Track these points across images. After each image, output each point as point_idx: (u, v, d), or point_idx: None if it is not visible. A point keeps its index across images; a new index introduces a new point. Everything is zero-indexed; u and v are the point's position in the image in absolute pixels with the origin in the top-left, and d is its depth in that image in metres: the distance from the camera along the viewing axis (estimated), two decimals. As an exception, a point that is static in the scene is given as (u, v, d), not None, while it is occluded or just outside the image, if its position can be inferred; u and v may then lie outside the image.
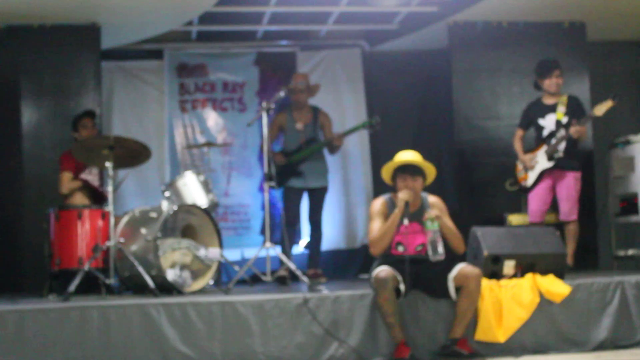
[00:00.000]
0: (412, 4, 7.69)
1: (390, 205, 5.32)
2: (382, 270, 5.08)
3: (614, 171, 7.37)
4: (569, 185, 6.58)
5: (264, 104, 6.40)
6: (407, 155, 5.32)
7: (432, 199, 5.42)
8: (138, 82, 8.23)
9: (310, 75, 8.30)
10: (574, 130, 6.46)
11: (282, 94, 6.57)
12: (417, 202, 5.32)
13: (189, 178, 6.43)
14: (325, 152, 7.25)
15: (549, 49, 7.65)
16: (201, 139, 8.04)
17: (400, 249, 5.27)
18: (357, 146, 8.37)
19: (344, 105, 8.40)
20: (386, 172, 5.35)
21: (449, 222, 5.25)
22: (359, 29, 8.49)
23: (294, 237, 7.23)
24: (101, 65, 7.44)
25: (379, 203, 5.35)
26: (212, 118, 8.29)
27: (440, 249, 5.08)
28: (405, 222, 5.11)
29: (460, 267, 5.14)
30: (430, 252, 5.09)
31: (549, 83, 6.69)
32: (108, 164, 5.81)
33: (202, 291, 5.94)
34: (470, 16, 7.57)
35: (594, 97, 7.64)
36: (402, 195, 5.13)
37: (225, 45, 8.41)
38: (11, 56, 7.20)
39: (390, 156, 5.43)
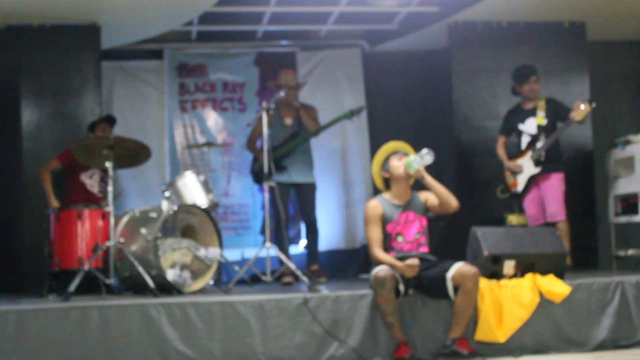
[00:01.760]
0: (412, 4, 7.69)
1: (385, 205, 5.39)
2: (381, 270, 5.09)
3: (614, 171, 7.36)
4: (554, 186, 6.59)
5: (264, 104, 6.40)
6: (390, 145, 5.53)
7: (423, 193, 5.50)
8: (138, 82, 8.23)
9: (310, 75, 8.34)
10: (575, 114, 6.38)
11: (282, 94, 6.57)
12: (408, 195, 5.43)
13: (189, 178, 6.44)
14: (312, 148, 7.20)
15: (549, 49, 7.67)
16: (201, 139, 8.04)
17: (400, 239, 5.34)
18: (357, 146, 8.37)
19: (344, 105, 8.36)
20: (378, 163, 5.48)
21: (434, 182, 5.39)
22: (359, 29, 8.49)
23: (291, 236, 7.20)
24: (101, 65, 7.44)
25: (373, 206, 5.40)
26: (212, 118, 8.29)
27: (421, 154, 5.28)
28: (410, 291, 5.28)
29: (457, 267, 5.15)
30: (419, 160, 5.29)
31: (528, 89, 6.71)
32: (108, 164, 5.81)
33: (202, 291, 5.94)
34: (470, 16, 7.57)
35: (594, 97, 7.62)
36: (408, 274, 5.16)
37: (225, 45, 8.40)
38: (11, 56, 7.20)
39: (391, 156, 5.47)
